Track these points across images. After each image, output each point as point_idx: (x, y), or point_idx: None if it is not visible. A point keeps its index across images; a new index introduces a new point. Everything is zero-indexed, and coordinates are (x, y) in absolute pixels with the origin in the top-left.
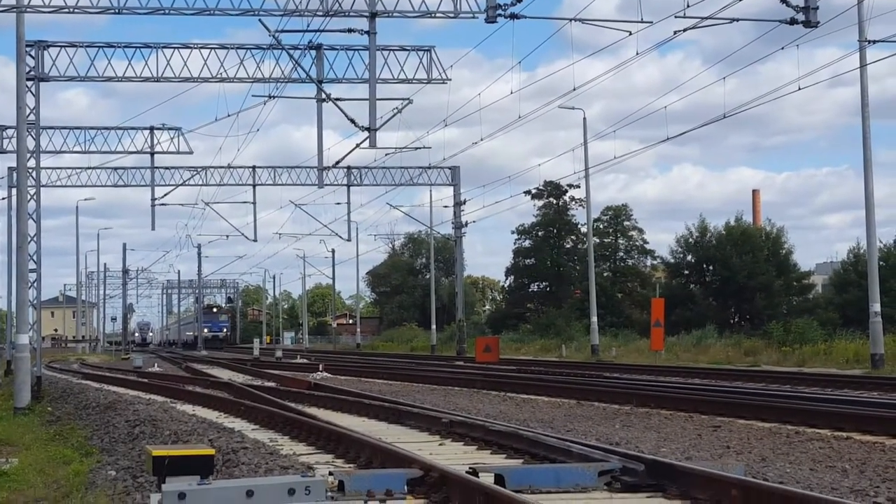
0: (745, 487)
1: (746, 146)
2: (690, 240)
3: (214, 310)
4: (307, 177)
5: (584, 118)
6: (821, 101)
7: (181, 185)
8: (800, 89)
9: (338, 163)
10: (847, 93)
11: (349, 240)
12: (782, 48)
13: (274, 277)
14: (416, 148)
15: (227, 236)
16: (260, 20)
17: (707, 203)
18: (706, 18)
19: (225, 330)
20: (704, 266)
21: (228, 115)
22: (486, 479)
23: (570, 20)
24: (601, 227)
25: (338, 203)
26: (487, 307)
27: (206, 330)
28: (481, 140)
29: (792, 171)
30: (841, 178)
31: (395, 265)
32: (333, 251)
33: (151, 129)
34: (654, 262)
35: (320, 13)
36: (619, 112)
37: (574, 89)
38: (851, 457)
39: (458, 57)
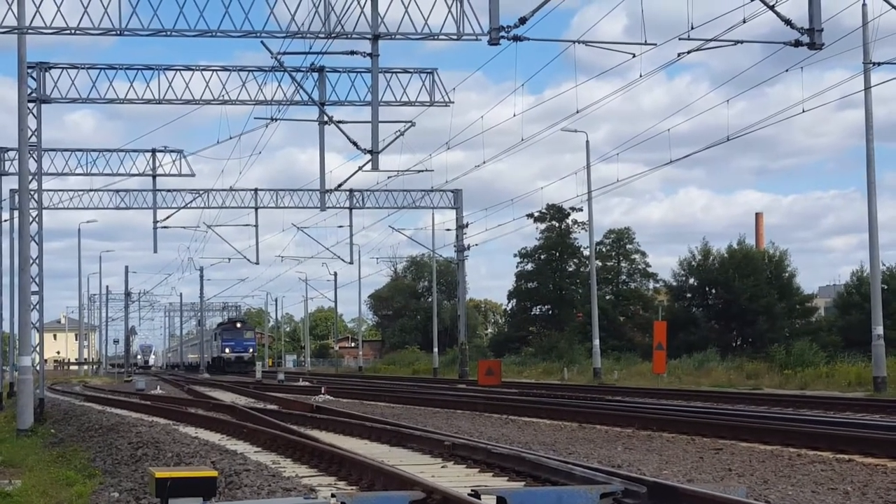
0: None
1: (753, 169)
2: (693, 263)
3: (238, 325)
4: (309, 199)
5: (587, 141)
6: (829, 123)
7: (183, 207)
8: (804, 111)
9: (340, 185)
10: (856, 115)
11: (351, 263)
12: (787, 70)
13: (276, 300)
14: (419, 171)
15: (230, 259)
16: (262, 42)
17: (712, 226)
18: (710, 41)
19: (252, 350)
20: (707, 289)
21: (231, 138)
22: (489, 501)
23: (574, 42)
24: (604, 250)
25: (340, 226)
26: (490, 330)
27: (227, 350)
28: (484, 163)
29: (799, 194)
30: (848, 201)
31: (398, 288)
32: (336, 274)
33: (153, 151)
34: (657, 286)
35: (322, 35)
36: (627, 135)
37: (577, 112)
38: (854, 479)
39: (462, 79)
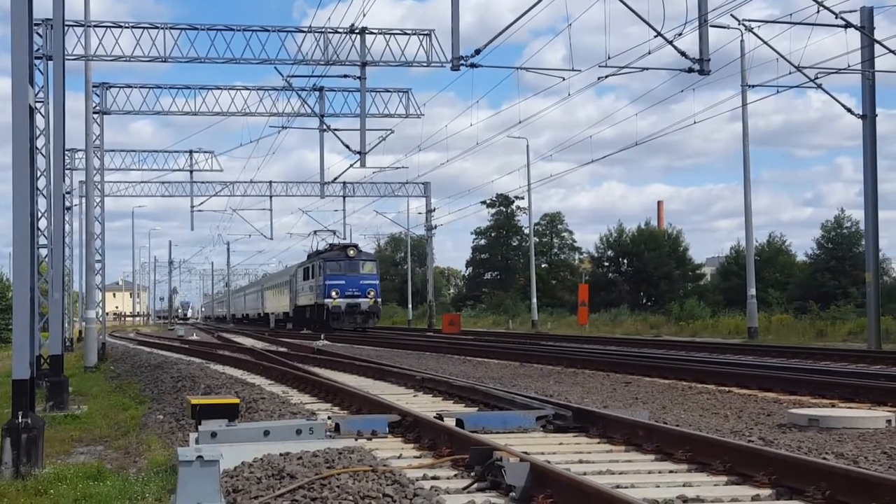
0: (648, 428)
1: (661, 167)
2: (610, 239)
3: (351, 252)
4: (312, 189)
5: (528, 145)
6: (721, 131)
7: (214, 195)
8: (695, 123)
9: (336, 179)
10: (740, 125)
11: (344, 239)
12: (682, 91)
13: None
14: (397, 167)
15: (250, 235)
16: (275, 68)
17: (628, 211)
18: (623, 68)
19: (373, 294)
20: (620, 259)
21: (251, 141)
22: (450, 422)
23: (516, 68)
24: (540, 229)
25: (336, 210)
26: (452, 291)
27: (334, 293)
28: (448, 161)
29: (695, 187)
30: (733, 192)
31: (381, 258)
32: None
33: (191, 152)
34: (582, 256)
35: (322, 62)
36: (562, 139)
37: (520, 122)
38: (732, 405)
39: (431, 97)
